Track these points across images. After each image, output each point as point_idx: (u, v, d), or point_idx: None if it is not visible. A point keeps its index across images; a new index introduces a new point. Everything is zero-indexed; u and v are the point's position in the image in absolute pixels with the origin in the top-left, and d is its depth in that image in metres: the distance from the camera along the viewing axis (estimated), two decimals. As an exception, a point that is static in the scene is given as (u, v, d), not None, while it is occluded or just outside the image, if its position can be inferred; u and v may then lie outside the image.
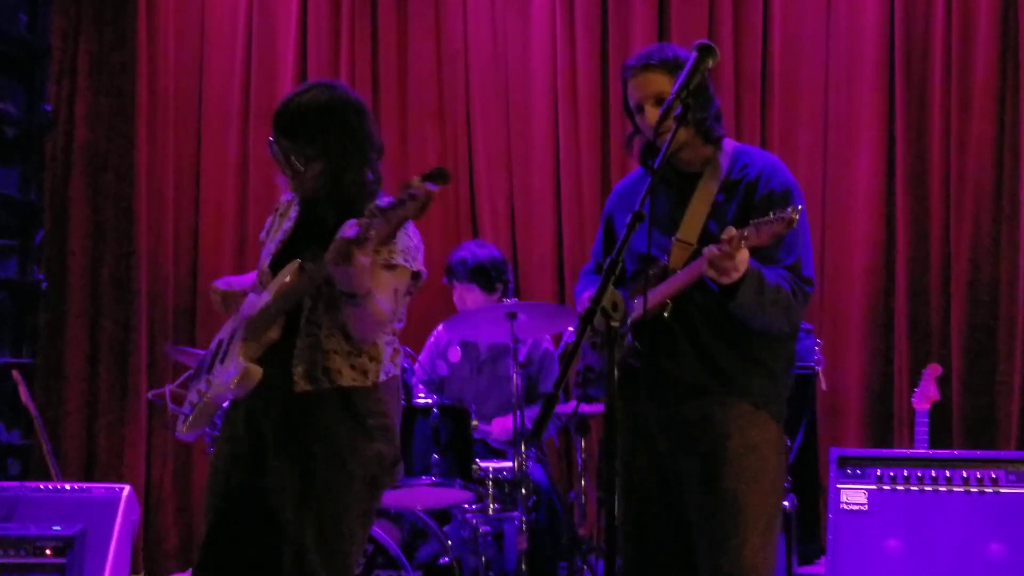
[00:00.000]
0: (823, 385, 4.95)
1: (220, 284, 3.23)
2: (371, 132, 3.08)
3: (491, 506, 4.50)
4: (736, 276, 2.84)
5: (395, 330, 3.11)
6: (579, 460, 4.92)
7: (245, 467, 3.05)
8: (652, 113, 3.06)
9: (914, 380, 5.01)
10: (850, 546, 4.40)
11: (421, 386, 5.01)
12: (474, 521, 4.50)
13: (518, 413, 4.45)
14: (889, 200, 5.56)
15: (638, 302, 2.99)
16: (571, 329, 4.31)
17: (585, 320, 2.41)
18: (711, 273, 2.84)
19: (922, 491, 4.41)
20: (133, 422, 6.19)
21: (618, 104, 3.32)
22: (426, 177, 2.66)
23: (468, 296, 5.03)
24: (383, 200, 3.04)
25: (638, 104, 3.11)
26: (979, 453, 4.55)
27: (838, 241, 5.60)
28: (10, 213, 6.24)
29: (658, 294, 3.00)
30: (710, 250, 2.83)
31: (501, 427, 4.88)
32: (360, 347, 3.00)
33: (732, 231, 2.79)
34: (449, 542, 4.46)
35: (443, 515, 4.70)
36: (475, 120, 6.11)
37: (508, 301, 4.58)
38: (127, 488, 4.86)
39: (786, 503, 4.43)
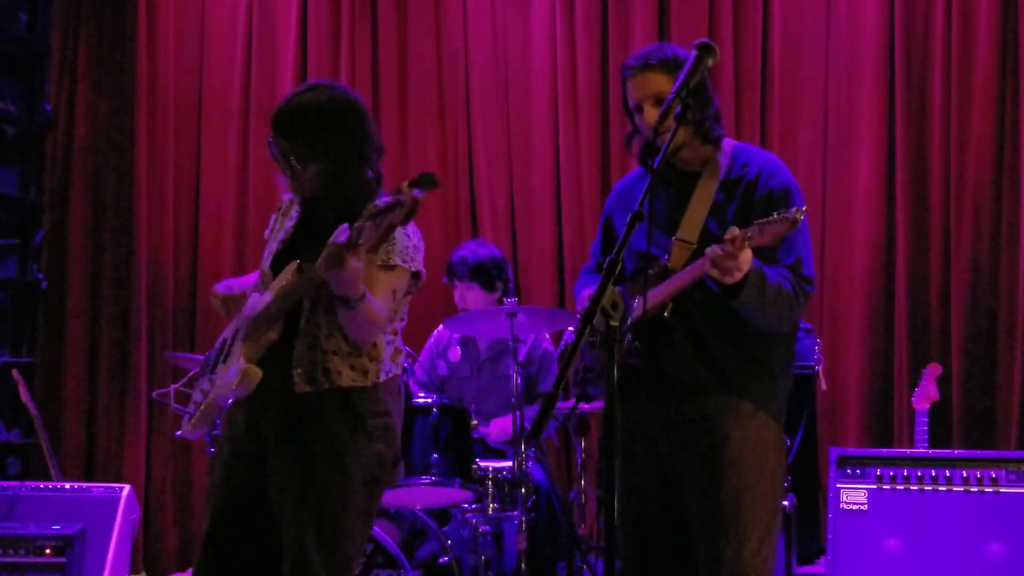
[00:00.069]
0: (823, 385, 4.95)
1: (220, 288, 3.23)
2: (370, 132, 3.08)
3: (490, 506, 4.49)
4: (739, 276, 2.83)
5: (396, 330, 3.11)
6: (579, 460, 4.92)
7: (246, 467, 3.06)
8: (651, 113, 3.05)
9: (914, 380, 5.01)
10: (850, 546, 4.40)
11: (418, 388, 5.01)
12: (473, 521, 4.50)
13: (517, 413, 4.45)
14: (889, 199, 5.56)
15: (638, 301, 2.99)
16: (571, 329, 4.31)
17: (585, 319, 2.40)
18: (714, 273, 2.83)
19: (922, 491, 4.41)
20: (133, 421, 6.19)
21: (618, 104, 3.32)
22: (413, 183, 2.66)
23: (469, 295, 5.03)
24: (383, 199, 3.05)
25: (637, 104, 3.11)
26: (979, 453, 4.55)
27: (838, 240, 5.60)
28: (10, 212, 6.24)
29: (659, 294, 3.00)
30: (713, 250, 2.82)
31: (499, 428, 4.88)
32: (360, 348, 3.00)
33: (735, 231, 2.78)
34: (448, 541, 4.46)
35: (443, 514, 4.70)
36: (475, 119, 6.12)
37: (508, 301, 4.58)
38: (127, 487, 4.86)
39: (786, 503, 4.43)
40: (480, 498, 4.49)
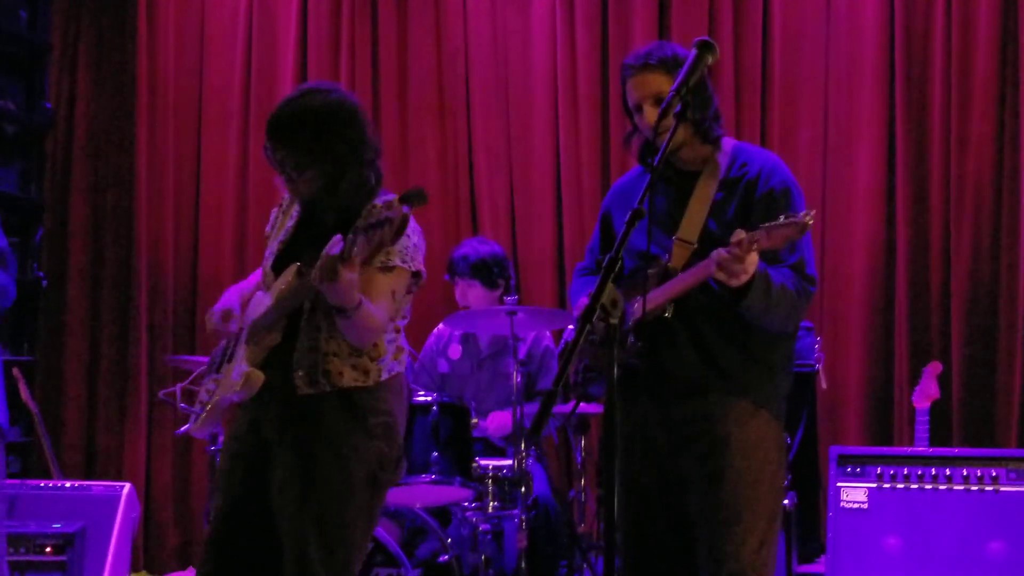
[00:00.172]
0: (823, 383, 4.95)
1: (214, 315, 3.21)
2: (366, 134, 3.07)
3: (491, 504, 4.49)
4: (745, 279, 2.83)
5: (399, 328, 3.11)
6: (578, 459, 4.92)
7: (248, 467, 3.06)
8: (651, 113, 3.05)
9: (914, 378, 5.01)
10: (850, 544, 4.40)
11: (418, 386, 5.01)
12: (474, 519, 4.50)
13: (517, 410, 4.45)
14: (889, 199, 5.56)
15: (637, 301, 2.98)
16: (571, 327, 4.31)
17: (585, 318, 2.40)
18: (720, 276, 2.83)
19: (922, 489, 4.41)
20: (133, 420, 6.20)
21: (618, 102, 3.32)
22: (403, 199, 2.66)
23: (470, 292, 5.03)
24: (383, 199, 3.05)
25: (637, 104, 3.10)
26: (979, 451, 4.55)
27: (838, 239, 5.60)
28: (10, 211, 6.24)
29: (661, 294, 2.99)
30: (719, 253, 2.82)
31: (497, 422, 4.88)
32: (360, 348, 3.01)
33: (741, 234, 2.77)
34: (448, 540, 4.46)
35: (443, 513, 4.70)
36: (475, 118, 6.12)
37: (509, 299, 4.58)
38: (127, 486, 4.86)
39: (786, 501, 4.43)
40: (480, 496, 4.49)
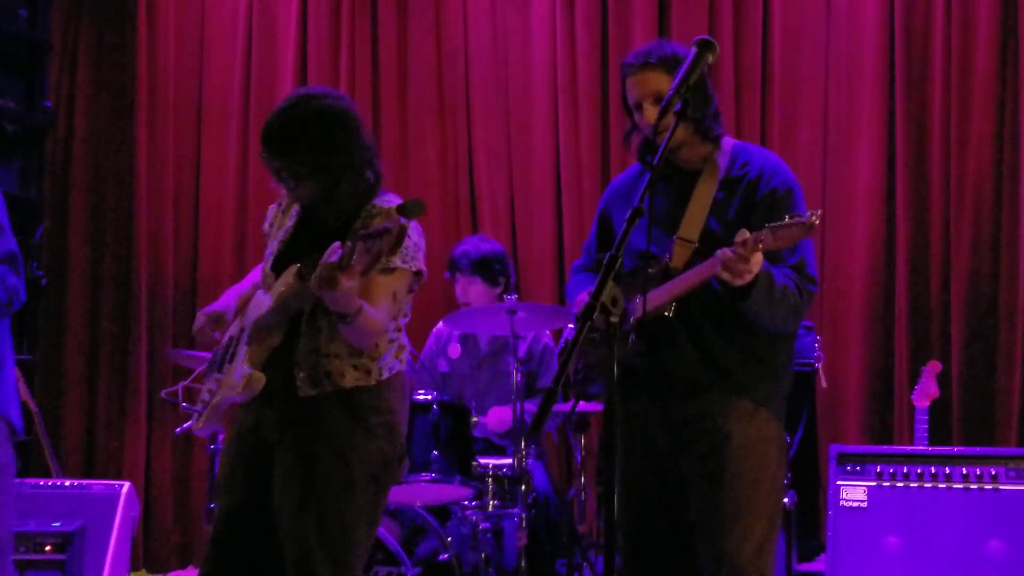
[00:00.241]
0: (823, 382, 4.95)
1: (200, 320, 3.22)
2: (361, 139, 3.07)
3: (491, 503, 4.49)
4: (749, 278, 2.83)
5: (400, 326, 3.11)
6: (578, 457, 4.92)
7: (250, 468, 3.06)
8: (651, 111, 3.05)
9: (914, 377, 5.01)
10: (850, 543, 4.41)
11: (418, 385, 5.01)
12: (474, 518, 4.50)
13: (518, 408, 4.45)
14: (889, 198, 5.56)
15: (637, 300, 2.98)
16: (571, 326, 4.31)
17: (584, 316, 2.39)
18: (725, 275, 2.83)
19: (922, 488, 4.41)
20: (133, 419, 6.20)
21: (618, 102, 3.31)
22: (401, 210, 2.66)
23: (471, 289, 5.03)
24: (383, 199, 3.05)
25: (637, 102, 3.10)
26: (979, 450, 4.55)
27: (838, 239, 5.60)
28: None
29: (663, 294, 2.99)
30: (724, 253, 2.82)
31: (496, 417, 4.88)
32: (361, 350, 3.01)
33: (746, 234, 2.78)
34: (448, 539, 4.46)
35: (443, 511, 4.70)
36: (475, 118, 6.12)
37: (508, 298, 4.59)
38: (127, 485, 4.86)
39: (786, 500, 4.43)
40: (480, 495, 4.50)
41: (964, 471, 4.39)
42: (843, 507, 4.45)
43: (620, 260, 2.42)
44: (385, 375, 3.04)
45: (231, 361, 3.09)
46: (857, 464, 4.48)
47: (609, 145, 5.93)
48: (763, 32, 5.79)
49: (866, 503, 4.43)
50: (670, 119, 2.68)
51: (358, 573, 3.04)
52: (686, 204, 3.10)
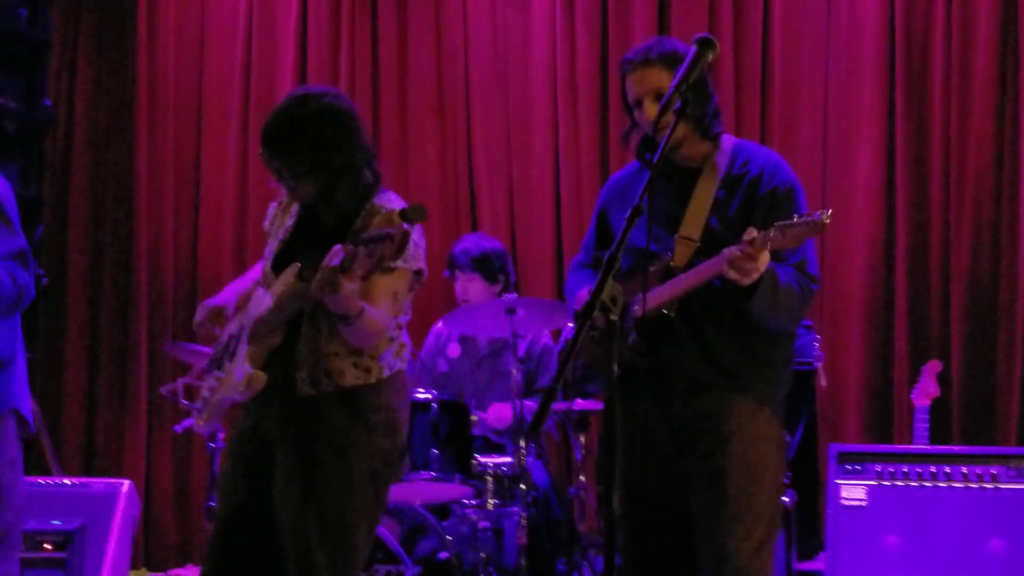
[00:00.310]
0: (823, 381, 4.95)
1: (200, 313, 3.23)
2: (360, 138, 3.06)
3: (490, 501, 4.49)
4: (756, 277, 2.83)
5: (400, 324, 3.11)
6: (578, 456, 4.92)
7: (250, 467, 3.06)
8: (651, 108, 3.04)
9: (914, 376, 5.02)
10: (849, 542, 4.41)
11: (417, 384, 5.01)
12: (473, 516, 4.50)
13: (518, 406, 4.45)
14: (889, 196, 5.56)
15: (637, 298, 2.98)
16: (571, 325, 4.31)
17: (584, 315, 2.39)
18: (732, 274, 2.82)
19: (922, 487, 4.41)
20: (133, 417, 6.20)
21: (618, 100, 3.30)
22: (403, 215, 2.65)
23: (470, 286, 5.03)
24: (383, 197, 3.05)
25: (637, 99, 3.09)
26: (979, 449, 4.56)
27: (838, 237, 5.59)
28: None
29: (667, 292, 2.99)
30: (731, 251, 2.81)
31: (496, 414, 4.88)
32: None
33: (753, 232, 2.77)
34: (448, 537, 4.46)
35: (442, 510, 4.70)
36: (475, 115, 6.11)
37: (508, 297, 4.59)
38: (127, 483, 4.86)
39: (785, 499, 4.43)
40: (480, 494, 4.50)
41: (964, 470, 4.39)
42: (843, 506, 4.45)
43: (619, 258, 2.42)
44: (386, 373, 3.04)
45: (231, 359, 3.09)
46: (857, 463, 4.48)
47: (609, 144, 5.93)
48: (763, 31, 5.79)
49: (866, 502, 4.43)
50: (670, 117, 2.68)
51: (359, 571, 3.04)
52: (687, 202, 3.09)
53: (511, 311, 4.48)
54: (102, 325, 6.30)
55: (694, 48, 2.75)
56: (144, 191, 6.29)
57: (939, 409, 5.02)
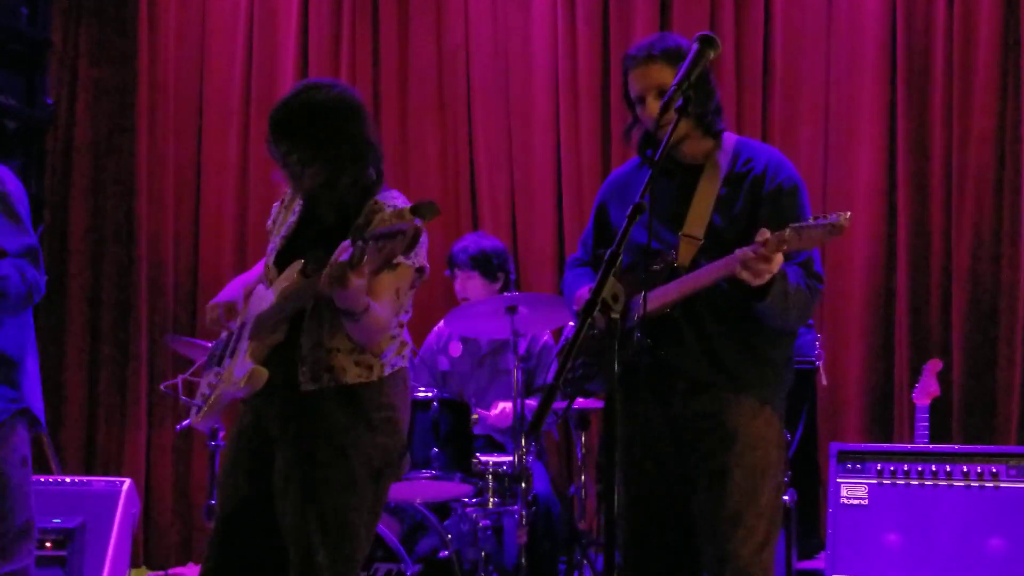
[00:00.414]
0: (824, 380, 4.95)
1: (213, 308, 3.20)
2: (368, 132, 3.07)
3: (491, 500, 4.49)
4: (768, 278, 2.81)
5: (402, 323, 3.11)
6: (579, 455, 4.92)
7: (251, 464, 3.05)
8: (653, 105, 3.03)
9: (914, 375, 5.02)
10: (850, 540, 4.40)
11: (418, 383, 5.01)
12: (474, 515, 4.50)
13: (518, 405, 4.45)
14: (890, 195, 5.56)
15: (640, 297, 2.97)
16: (571, 324, 4.30)
17: (585, 312, 2.38)
18: (745, 275, 2.80)
19: (922, 485, 4.41)
20: (133, 415, 6.20)
21: (619, 99, 3.30)
22: (414, 211, 2.64)
23: (469, 284, 5.03)
24: (386, 195, 3.04)
25: (639, 95, 3.08)
26: (979, 448, 4.56)
27: (838, 236, 5.58)
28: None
29: (674, 291, 2.97)
30: (744, 252, 2.79)
31: (500, 412, 4.88)
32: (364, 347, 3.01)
33: (766, 233, 2.75)
34: (449, 536, 4.45)
35: (443, 509, 4.70)
36: (476, 114, 6.12)
37: (509, 294, 4.58)
38: (127, 481, 4.86)
39: (786, 498, 4.42)
40: (480, 492, 4.49)
41: (964, 469, 4.39)
42: (843, 505, 4.45)
43: (620, 256, 2.41)
44: (387, 372, 3.04)
45: (232, 356, 3.08)
46: (857, 462, 4.48)
47: (610, 142, 5.93)
48: (764, 29, 5.79)
49: (866, 501, 4.43)
50: (671, 114, 2.68)
51: (359, 569, 3.04)
52: (689, 200, 3.08)
53: (512, 309, 4.47)
54: (102, 324, 6.30)
55: (695, 46, 2.74)
56: (145, 190, 6.29)
57: (940, 408, 5.02)
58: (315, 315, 2.98)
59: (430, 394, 4.47)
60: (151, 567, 6.10)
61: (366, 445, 2.98)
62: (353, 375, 2.99)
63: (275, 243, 3.16)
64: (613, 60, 5.85)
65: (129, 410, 6.21)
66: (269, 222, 3.27)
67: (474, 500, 4.52)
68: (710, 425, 3.03)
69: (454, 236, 5.73)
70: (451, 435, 4.43)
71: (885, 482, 4.44)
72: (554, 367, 4.14)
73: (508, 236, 5.97)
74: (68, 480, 4.87)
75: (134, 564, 5.65)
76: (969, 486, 4.38)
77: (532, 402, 4.70)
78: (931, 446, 4.55)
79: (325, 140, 2.99)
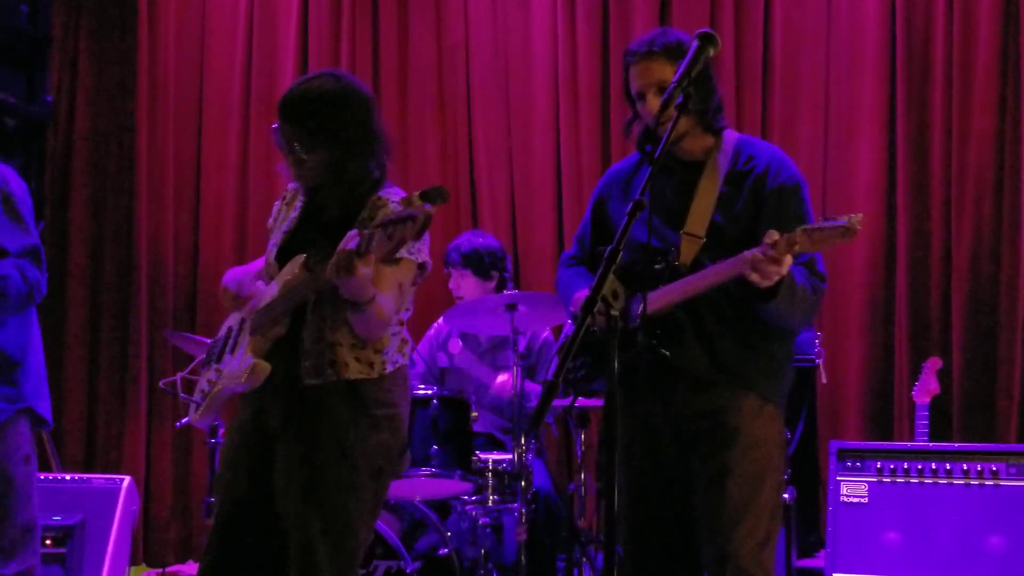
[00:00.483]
0: (823, 378, 4.95)
1: (230, 285, 3.19)
2: (377, 125, 3.08)
3: (490, 498, 4.49)
4: (777, 279, 2.81)
5: (402, 320, 3.10)
6: (579, 453, 4.92)
7: (252, 459, 3.05)
8: (654, 101, 3.02)
9: (914, 373, 5.02)
10: (850, 538, 4.41)
11: (418, 380, 5.01)
12: (473, 513, 4.50)
13: (518, 400, 4.46)
14: (890, 193, 5.56)
15: (640, 296, 2.96)
16: (569, 323, 4.30)
17: (585, 310, 2.37)
18: (754, 277, 2.79)
19: (922, 484, 4.42)
20: (133, 413, 6.20)
21: (618, 96, 3.31)
22: (424, 196, 2.63)
23: (463, 282, 5.04)
24: (389, 191, 3.04)
25: (640, 92, 3.08)
26: (979, 446, 4.56)
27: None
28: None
29: (678, 291, 2.97)
30: (753, 253, 2.78)
31: (501, 385, 4.89)
32: (367, 341, 3.00)
33: (775, 235, 2.74)
34: (448, 533, 4.45)
35: (442, 506, 4.70)
36: (476, 112, 6.12)
37: (508, 292, 4.58)
38: (127, 479, 4.87)
39: (786, 496, 4.43)
40: (480, 490, 4.49)
41: (964, 467, 4.39)
42: (843, 503, 4.45)
43: (620, 253, 2.41)
44: (388, 368, 3.03)
45: (232, 351, 3.08)
46: (857, 460, 4.48)
47: (610, 141, 5.93)
48: (764, 27, 5.79)
49: (866, 499, 4.44)
50: (672, 111, 2.67)
51: (359, 566, 3.03)
52: (690, 198, 3.07)
53: (511, 307, 4.48)
54: (102, 322, 6.29)
55: (695, 43, 2.74)
56: (144, 187, 6.29)
57: (939, 406, 5.02)
58: (317, 309, 2.98)
59: (430, 391, 4.47)
60: (151, 564, 6.10)
61: (368, 443, 2.98)
62: (354, 370, 2.98)
63: (276, 238, 3.16)
64: (613, 59, 5.85)
65: (129, 408, 6.21)
66: (270, 220, 3.27)
67: (474, 498, 4.52)
68: (711, 424, 3.02)
69: (453, 234, 5.73)
70: (451, 433, 4.43)
71: (885, 480, 4.44)
72: (554, 364, 4.15)
73: (508, 235, 5.97)
74: (68, 478, 4.87)
75: (133, 561, 5.64)
76: (969, 484, 4.38)
77: (535, 385, 4.72)
78: (931, 444, 4.56)
79: (333, 127, 2.99)
